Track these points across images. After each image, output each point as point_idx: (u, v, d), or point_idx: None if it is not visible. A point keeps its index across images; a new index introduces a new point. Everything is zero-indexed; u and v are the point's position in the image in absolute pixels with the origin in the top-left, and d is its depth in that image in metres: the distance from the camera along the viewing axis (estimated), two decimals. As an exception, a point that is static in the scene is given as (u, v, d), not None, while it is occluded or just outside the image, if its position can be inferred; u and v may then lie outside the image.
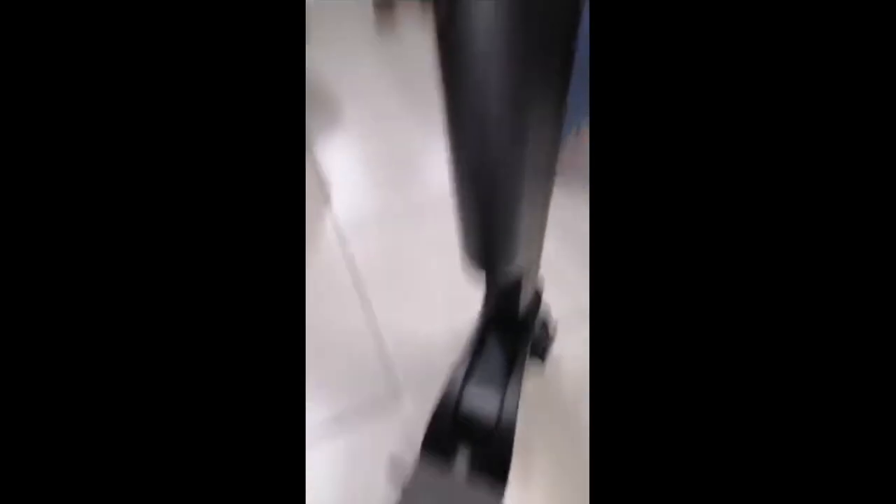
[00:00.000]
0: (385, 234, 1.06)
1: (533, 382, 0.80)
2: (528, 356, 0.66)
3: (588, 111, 1.08)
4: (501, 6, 0.24)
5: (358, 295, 0.93)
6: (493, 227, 0.38)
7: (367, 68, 1.62)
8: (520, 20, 0.25)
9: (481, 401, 0.60)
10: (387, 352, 0.85)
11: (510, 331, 0.65)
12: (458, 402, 0.60)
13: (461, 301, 0.92)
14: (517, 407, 0.59)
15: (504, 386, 0.60)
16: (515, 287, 0.54)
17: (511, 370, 0.62)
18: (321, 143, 1.29)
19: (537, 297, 0.69)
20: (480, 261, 0.42)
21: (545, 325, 0.73)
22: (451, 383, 0.60)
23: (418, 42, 1.80)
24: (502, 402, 0.60)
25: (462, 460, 0.57)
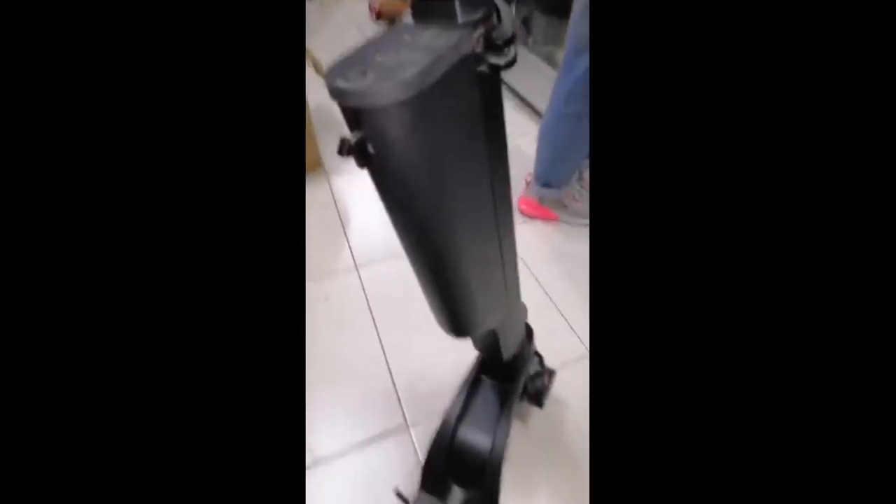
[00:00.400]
0: (398, 266, 1.10)
1: (537, 422, 0.81)
2: (517, 399, 0.68)
3: (588, 156, 1.12)
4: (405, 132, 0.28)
5: (372, 330, 0.96)
6: (451, 304, 0.43)
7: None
8: (420, 141, 0.29)
9: (473, 440, 0.62)
10: (397, 385, 0.87)
11: (500, 376, 0.68)
12: (452, 441, 0.62)
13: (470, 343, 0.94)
14: (505, 447, 0.61)
15: (495, 427, 0.62)
16: (494, 342, 0.57)
17: (501, 412, 0.64)
18: (338, 177, 1.35)
19: (527, 344, 0.72)
20: (451, 331, 0.47)
21: (540, 374, 0.75)
22: (444, 424, 0.63)
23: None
24: (493, 441, 0.61)
25: (456, 497, 0.59)
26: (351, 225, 1.20)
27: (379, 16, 2.37)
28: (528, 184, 1.23)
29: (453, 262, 0.38)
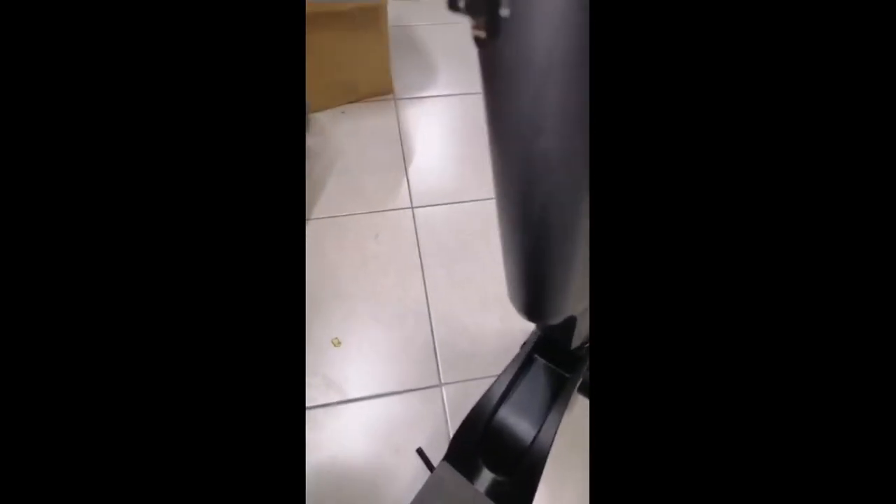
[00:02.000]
0: (454, 214, 1.03)
1: (581, 414, 0.75)
2: (574, 391, 0.60)
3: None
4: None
5: (418, 276, 0.92)
6: (544, 281, 0.33)
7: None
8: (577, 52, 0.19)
9: (514, 424, 0.57)
10: (436, 337, 0.83)
11: (559, 361, 0.60)
12: (490, 419, 0.57)
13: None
14: (552, 442, 0.55)
15: (543, 416, 0.56)
16: (568, 325, 0.49)
17: (553, 402, 0.57)
18: (405, 106, 1.26)
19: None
20: (529, 314, 0.38)
21: None
22: (485, 398, 0.57)
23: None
24: (538, 432, 0.56)
25: (484, 480, 0.55)
26: (413, 161, 1.13)
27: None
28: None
29: (569, 222, 0.28)
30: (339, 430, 0.73)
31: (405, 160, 1.13)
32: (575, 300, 0.36)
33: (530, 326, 0.82)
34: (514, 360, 0.60)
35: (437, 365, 0.80)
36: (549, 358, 0.61)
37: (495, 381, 0.58)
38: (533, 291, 0.35)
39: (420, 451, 0.69)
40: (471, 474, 0.54)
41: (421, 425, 0.73)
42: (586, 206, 0.27)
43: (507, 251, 0.34)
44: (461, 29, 1.59)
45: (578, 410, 0.76)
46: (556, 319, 0.38)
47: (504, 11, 0.18)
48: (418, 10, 1.54)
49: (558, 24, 0.18)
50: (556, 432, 0.55)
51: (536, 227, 0.29)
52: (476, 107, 1.27)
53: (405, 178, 1.09)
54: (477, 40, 0.20)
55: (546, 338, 0.61)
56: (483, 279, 0.92)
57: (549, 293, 0.34)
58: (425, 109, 1.26)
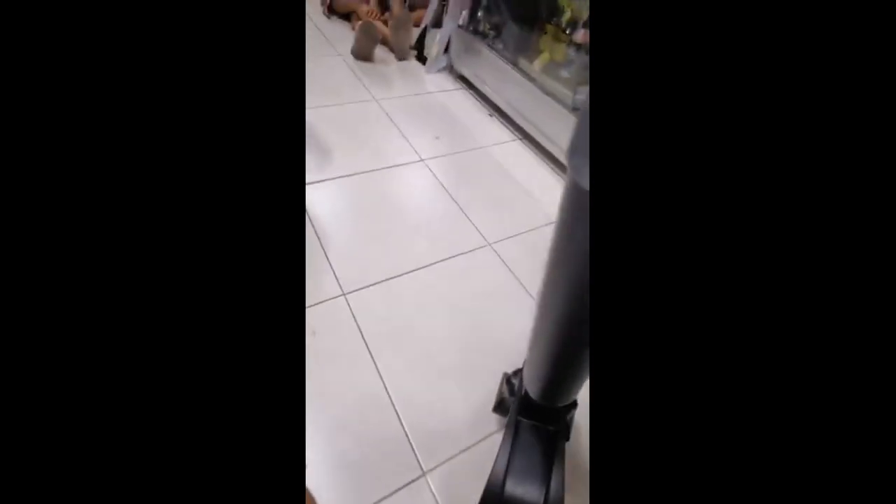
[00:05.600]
0: (389, 290, 1.03)
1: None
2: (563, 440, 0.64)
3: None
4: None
5: (370, 358, 0.89)
6: (566, 377, 0.39)
7: (352, 103, 1.61)
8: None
9: (524, 494, 0.58)
10: (405, 424, 0.81)
11: (540, 417, 0.64)
12: (501, 498, 0.58)
13: (471, 368, 0.90)
14: (562, 494, 0.57)
15: (547, 476, 0.59)
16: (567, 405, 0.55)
17: (552, 458, 0.60)
18: (308, 192, 1.25)
19: None
20: (545, 397, 0.43)
21: (573, 406, 0.72)
22: (493, 477, 0.58)
23: (409, 84, 1.81)
24: (547, 493, 0.58)
25: None
26: (331, 247, 1.11)
27: (331, 9, 2.24)
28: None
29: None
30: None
31: (324, 249, 1.11)
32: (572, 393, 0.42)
33: (491, 384, 0.85)
34: (506, 432, 0.62)
35: (415, 454, 0.78)
36: (532, 416, 0.64)
37: (496, 459, 0.59)
38: (554, 383, 0.39)
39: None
40: None
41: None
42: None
43: (539, 349, 0.39)
44: (350, 110, 1.64)
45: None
46: (567, 402, 0.43)
47: None
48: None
49: None
50: (563, 490, 0.57)
51: (572, 339, 0.34)
52: (376, 183, 1.31)
53: (329, 267, 1.07)
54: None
55: (526, 398, 0.64)
56: (432, 351, 0.93)
57: (567, 385, 0.39)
58: (328, 193, 1.27)
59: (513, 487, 0.58)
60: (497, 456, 0.59)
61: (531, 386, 0.43)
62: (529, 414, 0.63)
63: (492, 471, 0.58)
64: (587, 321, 0.34)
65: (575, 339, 0.36)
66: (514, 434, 0.61)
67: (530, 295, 1.09)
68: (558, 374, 0.40)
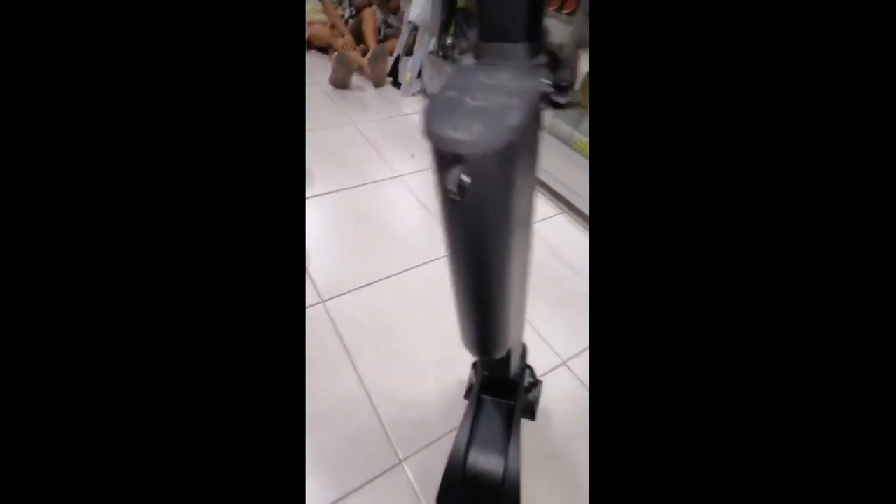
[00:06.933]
0: (365, 296, 1.08)
1: (529, 435, 0.82)
2: (521, 414, 0.69)
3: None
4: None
5: (349, 360, 0.93)
6: (490, 327, 0.45)
7: (330, 127, 1.69)
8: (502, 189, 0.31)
9: (486, 463, 0.62)
10: (382, 418, 0.84)
11: (503, 393, 0.69)
12: (464, 467, 0.61)
13: (448, 361, 0.94)
14: (519, 464, 0.61)
15: (505, 447, 0.63)
16: (505, 360, 0.59)
17: (510, 430, 0.64)
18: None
19: (523, 359, 0.74)
20: (480, 352, 0.48)
21: (534, 386, 0.77)
22: (455, 450, 0.62)
23: (377, 104, 1.91)
24: (506, 461, 0.62)
25: None
26: (311, 260, 1.16)
27: (309, 44, 2.35)
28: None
29: (504, 288, 0.40)
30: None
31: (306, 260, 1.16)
32: (514, 334, 0.47)
33: (463, 377, 0.89)
34: (467, 408, 0.66)
35: (392, 444, 0.81)
36: (493, 393, 0.69)
37: (458, 432, 0.63)
38: (484, 334, 0.44)
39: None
40: None
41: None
42: (511, 268, 0.39)
43: (466, 314, 0.44)
44: (332, 134, 1.71)
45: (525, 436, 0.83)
46: (500, 353, 0.48)
47: (463, 188, 0.29)
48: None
49: (493, 193, 0.31)
50: (519, 455, 0.62)
51: (479, 286, 0.40)
52: (354, 199, 1.38)
53: (308, 277, 1.11)
54: (450, 198, 0.31)
55: (486, 378, 0.69)
56: (411, 350, 0.97)
57: (494, 332, 0.44)
58: (308, 211, 1.33)
59: (475, 458, 0.62)
60: (459, 429, 0.63)
61: (468, 346, 0.49)
62: (489, 391, 0.68)
63: (454, 444, 0.62)
64: (484, 277, 0.40)
65: (479, 293, 0.41)
66: (475, 409, 0.66)
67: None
68: (478, 327, 0.45)
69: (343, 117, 1.82)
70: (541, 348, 1.00)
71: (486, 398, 0.69)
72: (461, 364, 0.93)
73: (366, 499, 0.74)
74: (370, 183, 1.47)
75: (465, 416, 0.65)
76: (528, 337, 1.00)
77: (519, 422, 0.64)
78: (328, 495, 0.74)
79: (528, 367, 0.80)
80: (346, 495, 0.74)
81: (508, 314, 0.44)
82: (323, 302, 1.05)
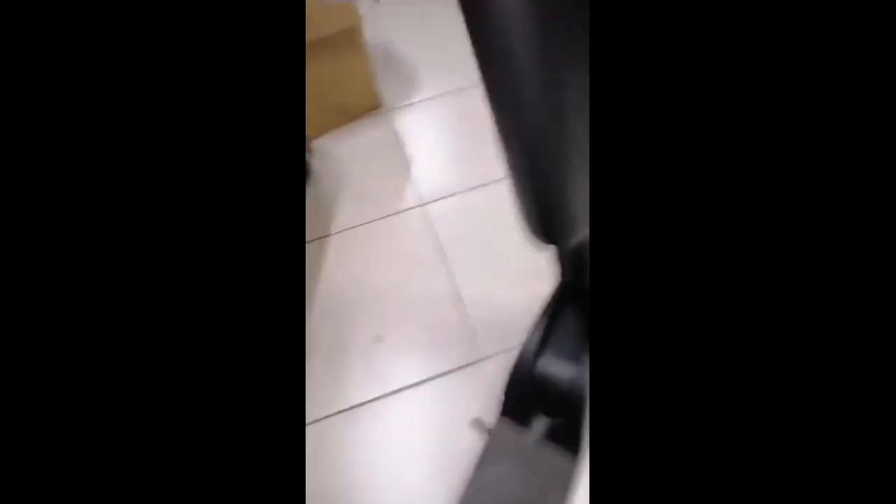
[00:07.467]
0: (465, 201, 1.07)
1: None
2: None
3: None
4: None
5: (441, 264, 0.96)
6: (549, 195, 0.37)
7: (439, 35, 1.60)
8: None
9: (556, 368, 0.60)
10: (471, 317, 0.87)
11: (583, 302, 0.64)
12: (533, 368, 0.60)
13: (539, 270, 0.91)
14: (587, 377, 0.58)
15: (579, 356, 0.59)
16: (584, 260, 0.52)
17: (585, 340, 0.60)
18: (398, 115, 1.32)
19: None
20: (543, 234, 0.42)
21: None
22: (525, 350, 0.61)
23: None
24: (577, 369, 0.59)
25: (539, 425, 0.58)
26: (415, 162, 1.18)
27: None
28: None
29: (557, 135, 0.35)
30: (393, 420, 0.77)
31: (409, 164, 1.18)
32: (581, 219, 0.40)
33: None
34: (543, 310, 0.63)
35: (478, 341, 0.84)
36: (573, 301, 0.64)
37: (529, 334, 0.61)
38: (540, 208, 0.38)
39: (476, 421, 0.72)
40: (525, 422, 0.57)
41: (472, 400, 0.77)
42: (577, 126, 0.32)
43: (515, 181, 0.38)
44: (437, 34, 1.64)
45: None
46: (568, 238, 0.41)
47: None
48: (389, 22, 1.61)
49: None
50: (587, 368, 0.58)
51: (533, 146, 0.33)
52: (463, 103, 1.32)
53: (412, 180, 1.14)
54: None
55: (565, 282, 0.64)
56: (507, 255, 0.96)
57: (556, 205, 0.37)
58: (417, 114, 1.32)
59: (546, 362, 0.60)
60: (531, 332, 0.61)
61: (529, 228, 0.42)
62: (568, 296, 0.63)
63: (528, 339, 0.61)
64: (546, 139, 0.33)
65: (536, 152, 0.35)
66: (551, 314, 0.62)
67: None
68: (540, 199, 0.38)
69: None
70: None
71: (566, 305, 0.64)
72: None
73: (445, 386, 0.79)
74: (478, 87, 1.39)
75: (540, 317, 0.62)
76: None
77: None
78: (409, 378, 0.81)
79: None
80: (427, 380, 0.80)
81: (571, 178, 0.36)
82: (423, 205, 1.08)
